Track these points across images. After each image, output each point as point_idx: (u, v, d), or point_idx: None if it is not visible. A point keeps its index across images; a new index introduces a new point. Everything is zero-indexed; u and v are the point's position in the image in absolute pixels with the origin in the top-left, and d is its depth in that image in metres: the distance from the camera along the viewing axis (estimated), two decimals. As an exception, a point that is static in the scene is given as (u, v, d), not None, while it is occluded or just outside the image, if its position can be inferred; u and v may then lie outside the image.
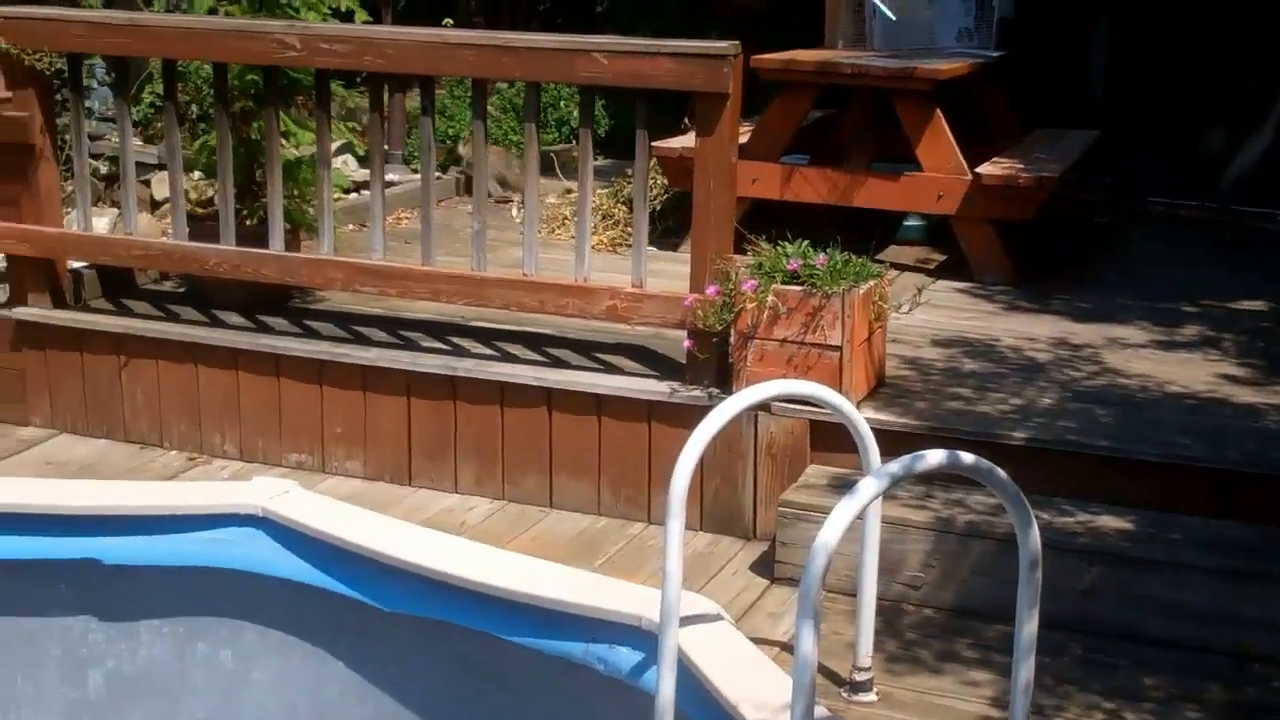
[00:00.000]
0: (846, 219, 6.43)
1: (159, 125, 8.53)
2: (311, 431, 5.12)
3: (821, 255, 4.49)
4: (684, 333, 4.65)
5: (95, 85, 8.43)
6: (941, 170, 6.24)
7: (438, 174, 8.20)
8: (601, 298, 4.71)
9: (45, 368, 5.48)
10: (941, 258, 6.61)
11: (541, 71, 4.66)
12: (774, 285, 4.47)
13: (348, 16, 5.58)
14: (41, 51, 5.14)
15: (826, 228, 6.65)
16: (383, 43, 4.75)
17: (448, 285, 4.89)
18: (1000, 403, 4.65)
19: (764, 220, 6.67)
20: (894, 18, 6.70)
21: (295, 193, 5.45)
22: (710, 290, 4.51)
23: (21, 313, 5.46)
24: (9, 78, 5.23)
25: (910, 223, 6.85)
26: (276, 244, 5.10)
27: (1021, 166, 6.22)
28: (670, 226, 6.83)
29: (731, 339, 4.60)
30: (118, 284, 5.70)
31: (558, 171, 8.17)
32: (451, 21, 10.24)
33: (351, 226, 7.07)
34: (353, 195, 7.93)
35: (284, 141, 5.48)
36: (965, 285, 6.19)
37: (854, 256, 4.59)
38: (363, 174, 8.32)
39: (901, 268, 6.47)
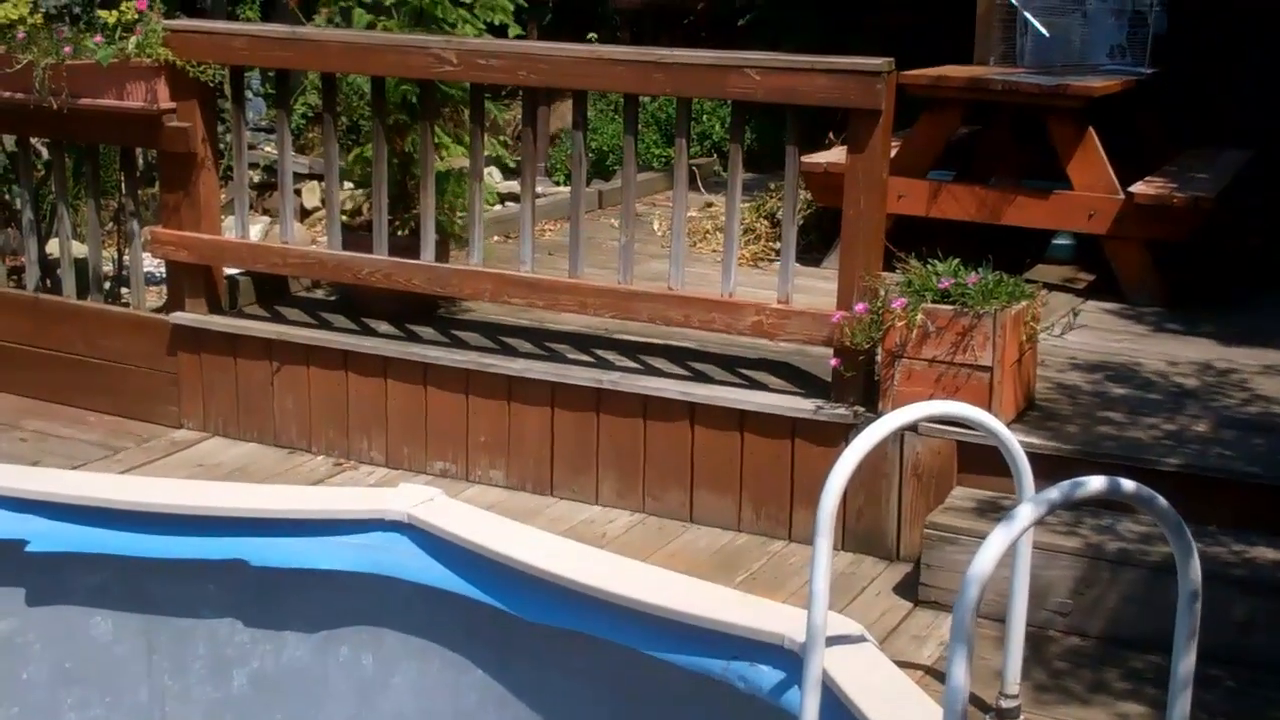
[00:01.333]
0: (991, 237, 6.35)
1: (310, 136, 8.74)
2: (457, 440, 5.19)
3: (974, 274, 4.43)
4: (830, 350, 4.63)
5: (251, 96, 8.63)
6: (1093, 189, 6.13)
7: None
8: (747, 313, 4.71)
9: (200, 372, 5.62)
10: (1090, 278, 6.50)
11: (693, 87, 4.67)
12: (924, 304, 4.43)
13: (502, 31, 5.64)
14: (205, 63, 5.27)
15: (972, 246, 6.62)
16: (537, 57, 4.80)
17: (595, 298, 4.92)
18: (1152, 428, 4.55)
19: (908, 237, 6.62)
20: (1047, 34, 6.60)
21: (445, 204, 5.53)
22: (859, 307, 4.48)
23: (179, 317, 5.60)
24: (173, 89, 5.37)
25: (1059, 241, 6.74)
26: (428, 254, 5.17)
27: (1175, 186, 6.09)
28: (812, 242, 6.80)
29: (879, 357, 4.57)
30: (272, 291, 5.83)
31: (699, 185, 8.18)
32: (596, 36, 10.41)
33: (497, 238, 7.16)
34: (498, 207, 8.03)
35: (439, 154, 5.57)
36: (1115, 306, 6.07)
37: (1006, 276, 4.53)
38: (508, 186, 8.43)
39: (1049, 287, 6.33)
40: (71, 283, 5.91)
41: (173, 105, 5.40)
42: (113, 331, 5.79)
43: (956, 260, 4.56)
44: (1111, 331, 5.71)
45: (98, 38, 5.35)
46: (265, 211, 8.33)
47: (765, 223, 7.07)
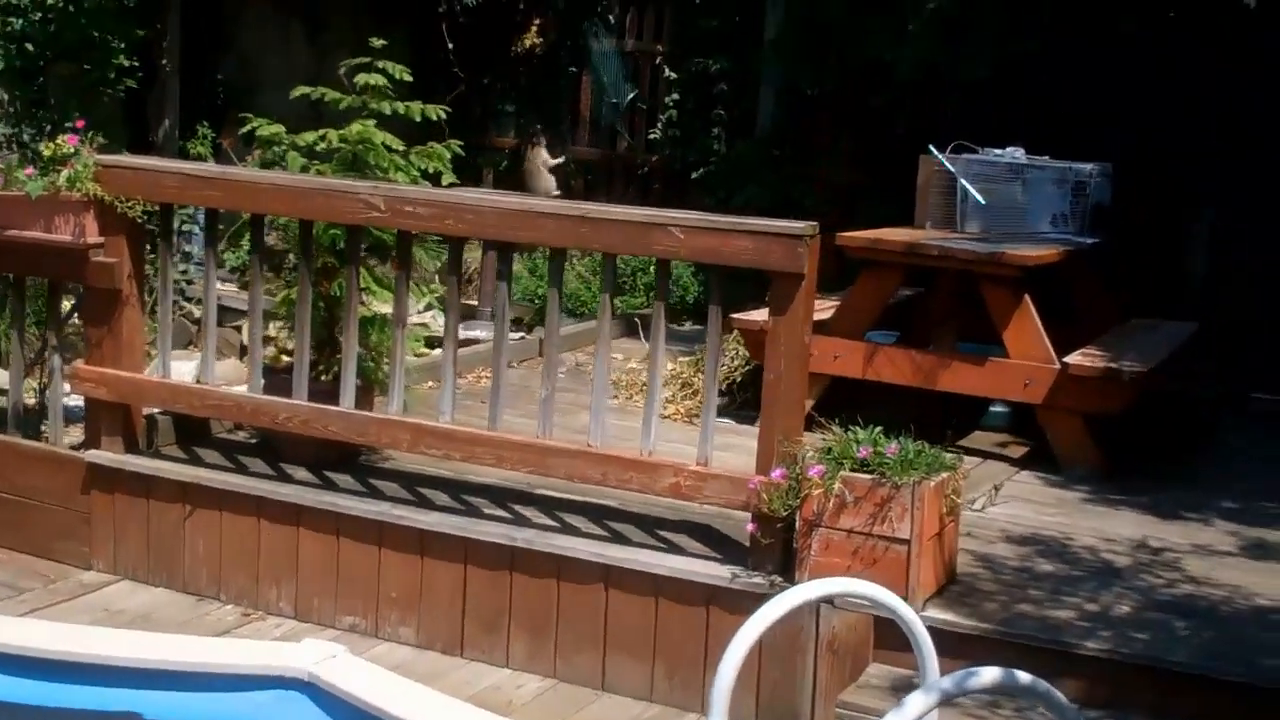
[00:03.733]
0: (931, 399, 6.31)
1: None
2: (367, 594, 5.04)
3: (893, 443, 4.36)
4: (749, 515, 4.53)
5: (196, 230, 8.60)
6: (1028, 358, 6.10)
7: (522, 334, 8.23)
8: (665, 474, 4.61)
9: (112, 512, 5.49)
10: (1027, 447, 6.43)
11: (618, 244, 4.63)
12: (842, 472, 4.34)
13: (437, 178, 5.62)
14: (134, 200, 5.22)
15: (909, 407, 6.57)
16: (464, 208, 4.77)
17: (512, 452, 4.83)
18: (1075, 608, 4.45)
19: (847, 396, 6.59)
20: (984, 201, 6.62)
21: (371, 350, 5.45)
22: (776, 474, 4.39)
23: (94, 456, 5.48)
24: (102, 224, 5.31)
25: (996, 408, 6.69)
26: (346, 401, 5.08)
27: (1111, 358, 6.06)
28: (750, 399, 6.73)
29: (797, 525, 4.47)
30: (192, 431, 5.71)
31: (642, 335, 8.12)
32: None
33: (431, 384, 7.06)
34: (437, 351, 7.95)
35: (364, 299, 5.51)
36: (1049, 477, 6.00)
37: (928, 446, 4.45)
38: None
39: (984, 455, 6.31)
40: (-10, 417, 5.79)
41: (100, 240, 5.34)
42: (28, 467, 5.65)
43: (877, 428, 4.48)
44: (1044, 504, 5.63)
45: (29, 170, 5.31)
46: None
47: (700, 378, 7.00)
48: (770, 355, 4.48)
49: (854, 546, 4.33)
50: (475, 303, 9.39)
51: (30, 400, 6.05)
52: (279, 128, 5.46)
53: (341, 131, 5.33)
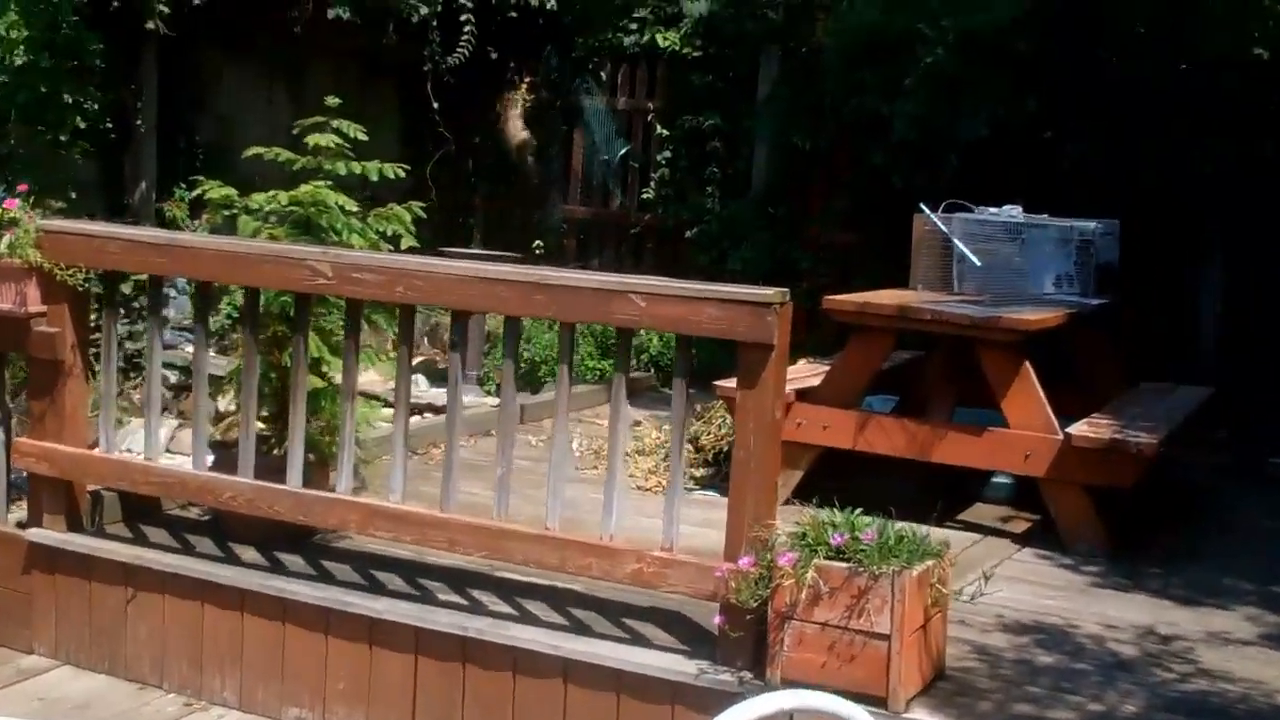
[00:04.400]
0: (929, 469, 5.98)
1: (236, 337, 8.42)
2: (314, 685, 4.71)
3: (869, 530, 4.02)
4: (717, 604, 4.19)
5: (174, 294, 8.33)
6: (1029, 427, 5.76)
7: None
8: (627, 560, 4.29)
9: (54, 593, 5.18)
10: (1031, 521, 6.08)
11: (575, 312, 4.33)
12: (816, 560, 4.00)
13: (397, 242, 5.33)
14: (75, 267, 4.94)
15: (908, 477, 6.24)
16: (414, 274, 4.47)
17: (465, 536, 4.50)
18: (1077, 708, 4.08)
19: (839, 467, 6.25)
20: (979, 263, 6.29)
21: (328, 423, 5.14)
22: (743, 561, 4.05)
23: (35, 534, 5.19)
24: (45, 292, 5.04)
25: (998, 479, 6.33)
26: (294, 479, 4.78)
27: (1118, 427, 5.71)
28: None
29: (769, 617, 4.12)
30: (140, 509, 5.40)
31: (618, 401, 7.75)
32: (542, 244, 10.20)
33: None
34: (415, 419, 7.64)
35: (323, 369, 5.21)
36: (1053, 555, 5.64)
37: (911, 531, 4.11)
38: (434, 393, 8.06)
39: (983, 531, 5.95)
40: (-67, 492, 5.49)
41: (43, 309, 5.07)
42: (-33, 545, 5.36)
43: (855, 511, 4.15)
44: (1046, 585, 5.26)
45: (-34, 236, 5.03)
46: (181, 414, 7.94)
47: (689, 447, 6.66)
48: (739, 431, 4.16)
49: (830, 641, 3.98)
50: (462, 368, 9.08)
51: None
52: (230, 190, 5.19)
53: (291, 193, 5.05)
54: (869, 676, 3.94)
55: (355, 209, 5.16)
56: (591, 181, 10.22)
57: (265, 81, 8.91)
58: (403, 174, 5.35)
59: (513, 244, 10.21)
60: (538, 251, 10.24)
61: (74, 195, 7.66)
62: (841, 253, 9.24)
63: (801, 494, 6.09)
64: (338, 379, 5.33)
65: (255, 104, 8.90)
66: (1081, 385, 6.83)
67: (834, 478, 6.27)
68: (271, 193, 5.12)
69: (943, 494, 6.36)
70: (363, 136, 5.29)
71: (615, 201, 10.18)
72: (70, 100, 6.56)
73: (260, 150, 5.32)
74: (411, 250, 5.21)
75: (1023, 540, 5.83)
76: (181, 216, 8.15)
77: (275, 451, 5.12)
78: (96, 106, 7.50)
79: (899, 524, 4.14)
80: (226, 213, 5.17)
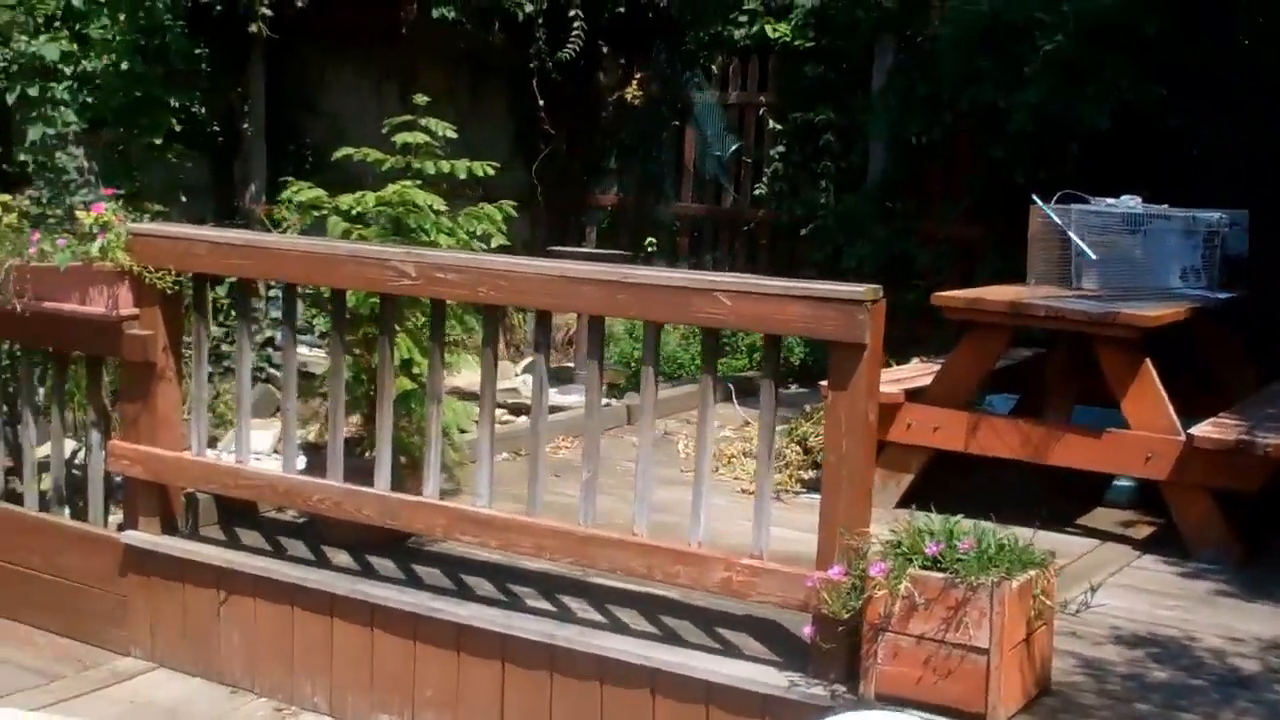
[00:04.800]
0: (1052, 470, 5.73)
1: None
2: (403, 691, 4.63)
3: (967, 538, 3.81)
4: (809, 616, 4.02)
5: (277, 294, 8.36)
6: (1150, 428, 5.48)
7: (610, 401, 7.77)
8: (715, 568, 4.13)
9: (149, 596, 5.18)
10: (1155, 525, 5.79)
11: (658, 311, 4.18)
12: (911, 570, 3.81)
13: (489, 241, 5.24)
14: (164, 270, 4.93)
15: (1029, 480, 5.99)
16: (498, 273, 4.37)
17: (551, 541, 4.38)
18: (1190, 727, 3.84)
19: (954, 469, 6.03)
20: (1093, 256, 6.01)
21: (417, 425, 5.06)
22: (833, 571, 3.87)
23: (130, 537, 5.19)
24: (137, 294, 5.04)
25: (1121, 482, 6.06)
26: (381, 482, 4.70)
27: (1245, 427, 5.39)
28: (845, 473, 6.19)
29: (863, 629, 3.93)
30: (237, 511, 5.38)
31: (734, 401, 7.62)
32: (655, 242, 10.07)
33: (505, 455, 6.63)
34: (522, 418, 7.56)
35: (414, 370, 5.14)
36: (1176, 562, 5.35)
37: (1013, 540, 3.90)
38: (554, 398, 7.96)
39: (1103, 536, 5.69)
40: (35, 493, 5.54)
41: (135, 312, 5.06)
42: (68, 548, 5.39)
43: (957, 518, 3.94)
44: (1166, 595, 4.99)
45: (61, 240, 5.05)
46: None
47: (796, 449, 6.50)
48: (829, 434, 3.98)
49: (925, 655, 3.79)
50: (572, 365, 9.01)
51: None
52: (319, 192, 5.14)
53: (379, 194, 4.98)
54: (967, 692, 3.74)
55: (444, 208, 5.07)
56: (704, 178, 10.07)
57: (375, 83, 8.90)
58: (491, 171, 5.26)
59: (628, 243, 10.13)
60: (650, 250, 10.13)
61: (184, 199, 7.73)
62: (962, 248, 8.98)
63: (914, 498, 5.90)
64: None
65: (366, 105, 8.88)
66: (1210, 384, 6.51)
67: (953, 479, 6.07)
68: (359, 194, 5.06)
69: (1064, 497, 6.11)
70: (451, 134, 5.21)
71: (728, 198, 10.01)
72: (165, 103, 6.55)
73: (350, 151, 5.27)
74: (503, 249, 5.11)
75: (1144, 546, 5.55)
76: (287, 218, 8.19)
77: (367, 454, 5.05)
78: (203, 109, 7.54)
79: (1001, 531, 3.93)
80: (316, 214, 5.11)
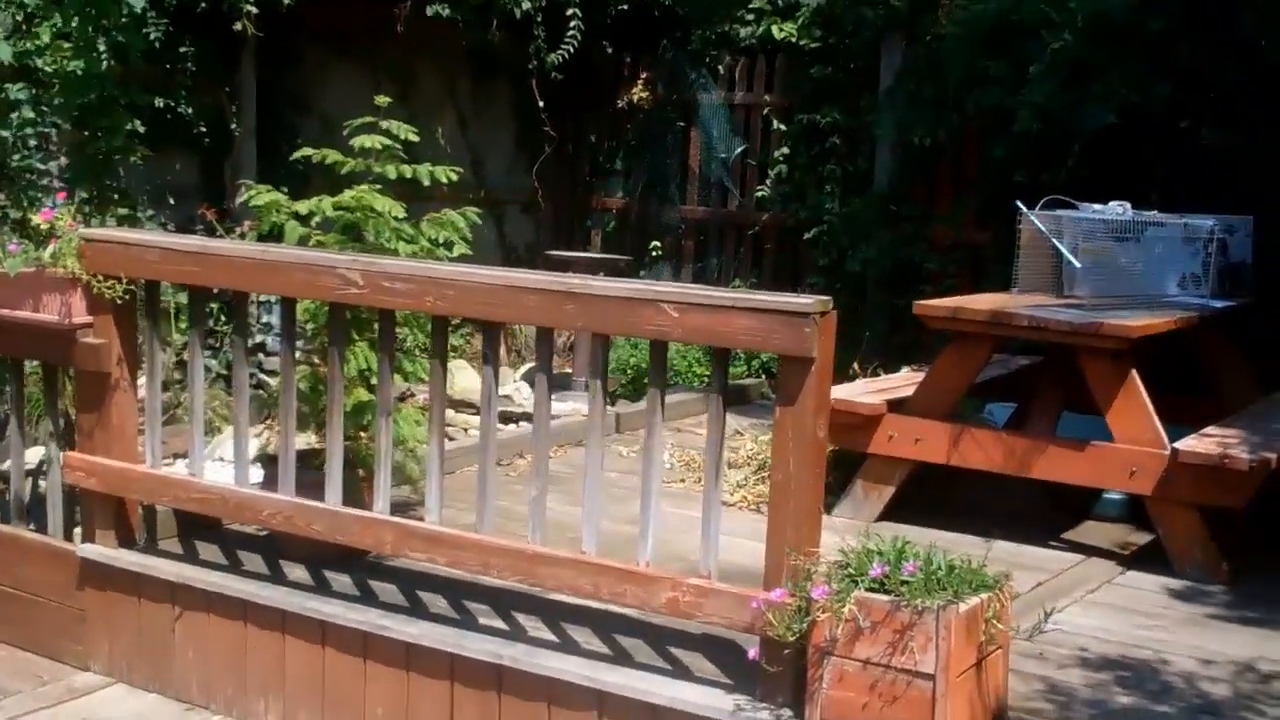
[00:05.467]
0: (1044, 482, 5.57)
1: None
2: (354, 711, 4.53)
3: (912, 560, 3.66)
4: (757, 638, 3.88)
5: (274, 300, 8.28)
6: (1134, 441, 5.30)
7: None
8: (662, 588, 3.99)
9: (106, 611, 5.09)
10: (1144, 540, 5.62)
11: (604, 322, 4.04)
12: (856, 592, 3.66)
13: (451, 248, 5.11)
14: (115, 278, 4.83)
15: (1018, 492, 5.82)
16: (445, 282, 4.24)
17: (499, 559, 4.26)
18: (1147, 757, 3.68)
19: (940, 481, 5.88)
20: (1077, 264, 5.83)
21: (371, 437, 4.95)
22: (776, 593, 3.73)
23: (85, 550, 5.10)
24: (90, 302, 4.94)
25: (1110, 495, 5.88)
26: (332, 496, 4.59)
27: (1234, 442, 5.22)
28: (826, 484, 6.00)
29: (809, 652, 3.79)
30: (199, 523, 5.27)
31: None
32: (659, 246, 9.92)
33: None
34: (511, 427, 7.45)
35: (373, 381, 5.02)
36: (1158, 579, 5.19)
37: (962, 562, 3.74)
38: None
39: (1088, 551, 5.52)
40: (-8, 504, 5.48)
41: (88, 320, 4.97)
42: (27, 560, 5.32)
43: (902, 540, 3.80)
44: (1142, 613, 4.82)
45: (14, 245, 4.97)
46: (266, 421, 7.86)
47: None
48: (776, 451, 3.83)
49: (871, 680, 3.64)
50: (570, 370, 8.89)
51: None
52: (277, 196, 5.03)
53: (335, 199, 4.87)
54: (912, 719, 3.59)
55: (403, 214, 4.95)
56: (709, 180, 9.92)
57: (371, 83, 8.78)
58: (454, 177, 5.13)
59: (633, 246, 10.00)
60: (655, 254, 9.99)
61: (172, 201, 7.65)
62: (970, 253, 8.79)
63: (900, 511, 5.75)
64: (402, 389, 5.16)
65: (361, 106, 8.76)
66: (1208, 395, 6.33)
67: (932, 494, 5.91)
68: (316, 198, 4.95)
69: (1054, 509, 5.95)
70: (413, 137, 5.08)
71: (733, 201, 9.86)
72: (124, 103, 6.44)
73: (309, 152, 5.16)
74: (463, 258, 4.99)
75: (1128, 562, 5.39)
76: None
77: (324, 467, 4.94)
78: (189, 109, 7.45)
79: (951, 550, 3.78)
80: (274, 219, 5.00)
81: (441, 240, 5.00)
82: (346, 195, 4.88)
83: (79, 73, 5.89)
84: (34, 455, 5.75)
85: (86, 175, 6.18)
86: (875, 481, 5.80)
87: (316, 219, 4.92)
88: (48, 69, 5.86)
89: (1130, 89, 7.40)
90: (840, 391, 5.95)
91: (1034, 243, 6.06)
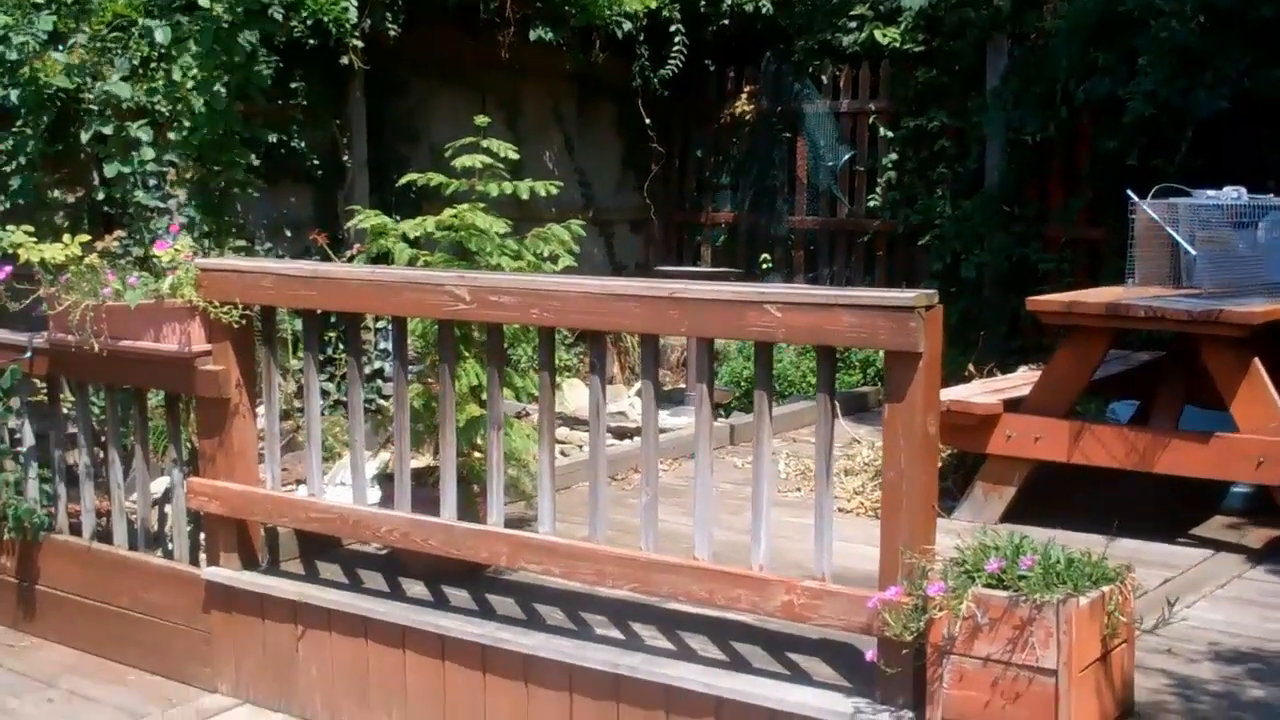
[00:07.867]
0: (1167, 477, 5.44)
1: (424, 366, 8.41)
2: (474, 724, 4.55)
3: (1030, 554, 3.59)
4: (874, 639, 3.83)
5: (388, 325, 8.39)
6: (1260, 430, 5.16)
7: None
8: (776, 592, 3.96)
9: (232, 633, 5.18)
10: (1272, 534, 5.45)
11: (709, 326, 4.03)
12: (974, 589, 3.60)
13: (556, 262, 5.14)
14: (231, 305, 4.93)
15: (1143, 488, 5.70)
16: (549, 294, 4.27)
17: (612, 567, 4.26)
18: (1284, 751, 3.56)
19: (1062, 480, 5.78)
20: (1193, 252, 5.69)
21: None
22: (891, 592, 3.68)
23: (210, 573, 5.20)
24: (209, 330, 5.05)
25: (1237, 488, 5.73)
26: (447, 511, 4.63)
27: (1367, 428, 5.06)
28: (947, 488, 5.96)
29: (927, 651, 3.73)
30: (321, 543, 5.36)
31: (840, 417, 7.37)
32: (769, 258, 9.90)
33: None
34: (625, 443, 7.45)
35: (483, 396, 5.06)
36: (1294, 572, 5.04)
37: (1083, 555, 3.66)
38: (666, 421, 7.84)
39: (1215, 545, 5.38)
40: (123, 532, 5.60)
41: (207, 348, 5.07)
42: (155, 585, 5.43)
43: (1019, 535, 3.72)
44: (1274, 608, 4.68)
45: (133, 278, 5.09)
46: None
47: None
48: (887, 448, 3.79)
49: (992, 678, 3.57)
50: (684, 386, 8.90)
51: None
52: (384, 219, 5.10)
53: (438, 218, 4.92)
54: (1036, 716, 3.52)
55: (505, 230, 4.99)
56: (817, 190, 9.87)
57: (477, 110, 8.88)
58: (555, 190, 5.16)
59: (743, 259, 9.98)
60: (765, 266, 9.96)
61: (289, 233, 7.80)
62: (1086, 250, 8.65)
63: (1022, 511, 5.66)
64: (513, 406, 5.19)
65: (468, 133, 8.89)
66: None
67: (1056, 493, 5.81)
68: (420, 218, 5.01)
69: (1181, 504, 5.81)
70: (513, 155, 5.13)
71: (843, 209, 9.79)
72: (244, 140, 6.61)
73: (414, 176, 5.23)
74: (568, 270, 5.02)
75: (1257, 556, 5.23)
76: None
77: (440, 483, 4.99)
78: (303, 144, 7.60)
79: (1073, 547, 3.70)
80: (383, 241, 5.07)
81: (546, 254, 5.03)
82: (448, 214, 4.93)
83: (202, 110, 6.05)
84: (159, 485, 5.89)
85: (205, 210, 6.33)
86: (995, 483, 5.71)
87: (421, 237, 4.97)
88: (163, 109, 6.03)
89: (1242, 74, 7.25)
90: (956, 392, 5.89)
91: (1149, 233, 5.92)
